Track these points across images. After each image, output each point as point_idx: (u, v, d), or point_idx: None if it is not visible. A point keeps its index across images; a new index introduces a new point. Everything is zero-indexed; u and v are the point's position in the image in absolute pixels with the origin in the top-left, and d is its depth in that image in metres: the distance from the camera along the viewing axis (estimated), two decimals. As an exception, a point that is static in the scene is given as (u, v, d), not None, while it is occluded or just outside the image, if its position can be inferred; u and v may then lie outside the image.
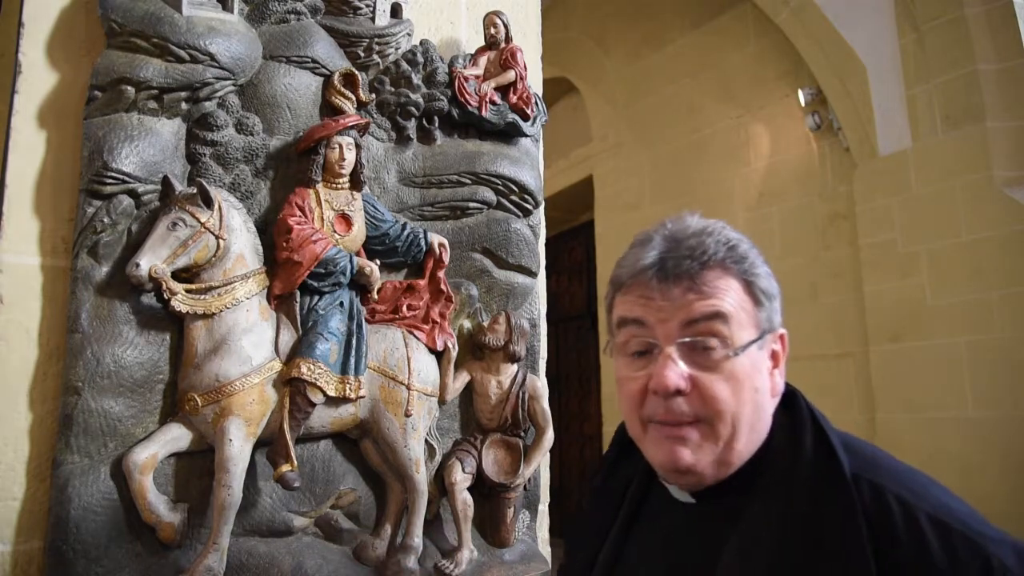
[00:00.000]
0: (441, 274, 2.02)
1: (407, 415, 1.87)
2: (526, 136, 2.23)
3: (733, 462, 0.88)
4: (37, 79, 1.73)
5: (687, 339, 0.86)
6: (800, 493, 0.83)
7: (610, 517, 1.03)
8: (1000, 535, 0.76)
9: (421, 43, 2.11)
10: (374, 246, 1.97)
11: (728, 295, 0.87)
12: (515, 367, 2.08)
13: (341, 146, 1.87)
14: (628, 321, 0.91)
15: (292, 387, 1.74)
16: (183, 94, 1.76)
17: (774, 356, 0.92)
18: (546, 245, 2.35)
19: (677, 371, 0.84)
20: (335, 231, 1.87)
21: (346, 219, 1.90)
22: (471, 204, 2.12)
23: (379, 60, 2.07)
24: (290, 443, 1.72)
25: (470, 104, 2.11)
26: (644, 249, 0.91)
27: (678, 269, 0.87)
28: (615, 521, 1.02)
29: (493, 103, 2.14)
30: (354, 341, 1.83)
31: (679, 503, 0.95)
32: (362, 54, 2.04)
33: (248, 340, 1.72)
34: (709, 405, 0.85)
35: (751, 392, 0.86)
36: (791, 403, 0.94)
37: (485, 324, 2.07)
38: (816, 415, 0.91)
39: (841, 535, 0.78)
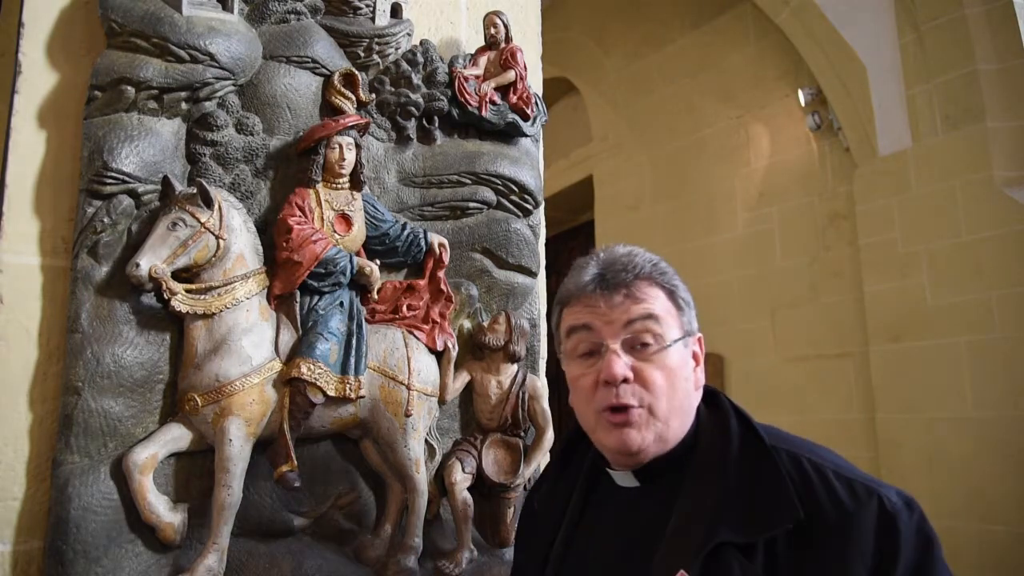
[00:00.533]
0: (441, 274, 2.02)
1: (407, 415, 1.87)
2: (526, 136, 2.23)
3: (669, 439, 1.06)
4: (37, 79, 1.73)
5: (628, 336, 1.04)
6: (732, 466, 1.02)
7: (560, 515, 1.18)
8: (884, 482, 0.99)
9: (421, 43, 2.11)
10: (374, 246, 1.97)
11: (657, 301, 1.07)
12: (515, 367, 2.08)
13: (341, 146, 1.87)
14: (577, 328, 1.09)
15: (292, 387, 1.74)
16: (183, 94, 1.76)
17: (695, 356, 1.11)
18: (546, 245, 2.34)
19: (622, 363, 1.03)
20: (335, 231, 1.87)
21: (346, 219, 1.90)
22: (471, 204, 2.12)
23: (379, 60, 2.07)
24: (290, 443, 1.72)
25: (470, 104, 2.11)
26: (584, 270, 1.10)
27: (615, 280, 1.07)
28: (564, 519, 1.17)
29: (493, 103, 2.15)
30: (354, 341, 1.83)
31: (623, 489, 1.12)
32: (362, 54, 2.04)
33: (248, 340, 1.72)
34: (649, 389, 1.03)
35: (681, 380, 1.06)
36: (713, 399, 1.14)
37: (485, 324, 2.07)
38: (737, 405, 1.11)
39: (774, 492, 0.96)
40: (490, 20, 2.21)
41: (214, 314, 1.70)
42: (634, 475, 1.10)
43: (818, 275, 4.77)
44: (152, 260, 1.63)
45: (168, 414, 1.71)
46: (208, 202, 1.69)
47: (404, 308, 1.96)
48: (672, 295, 1.08)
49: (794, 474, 0.98)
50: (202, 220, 1.68)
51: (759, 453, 1.01)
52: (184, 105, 1.78)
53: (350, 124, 1.90)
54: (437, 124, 2.11)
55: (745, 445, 1.03)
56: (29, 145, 1.70)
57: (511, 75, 2.19)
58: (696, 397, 1.10)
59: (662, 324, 1.05)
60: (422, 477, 1.89)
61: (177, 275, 1.69)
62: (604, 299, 1.06)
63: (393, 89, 2.05)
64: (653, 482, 1.08)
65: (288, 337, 1.80)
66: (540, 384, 2.16)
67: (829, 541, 0.93)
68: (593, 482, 1.18)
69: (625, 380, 1.02)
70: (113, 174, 1.66)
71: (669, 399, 1.04)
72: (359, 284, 1.92)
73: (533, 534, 1.23)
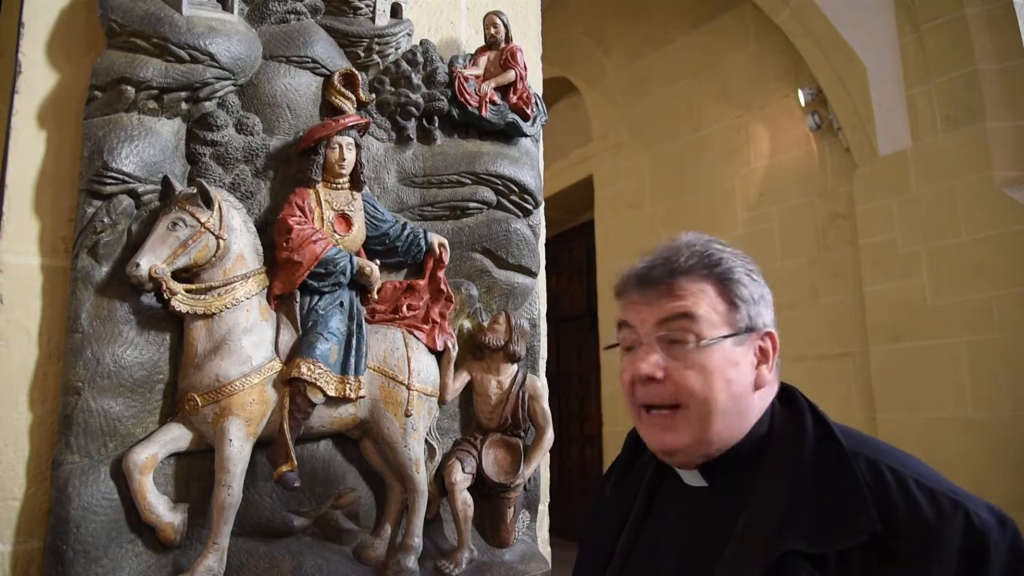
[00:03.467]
0: (441, 274, 2.02)
1: (407, 415, 1.87)
2: (526, 136, 2.23)
3: (714, 441, 1.00)
4: (37, 79, 1.73)
5: (661, 334, 1.01)
6: (805, 468, 0.95)
7: (626, 512, 1.14)
8: (973, 495, 0.90)
9: (421, 43, 2.11)
10: (374, 246, 1.97)
11: (698, 297, 1.01)
12: (515, 367, 2.08)
13: (341, 146, 1.87)
14: (621, 324, 1.07)
15: (292, 387, 1.74)
16: (183, 94, 1.76)
17: (762, 352, 1.03)
18: (546, 245, 2.34)
19: (650, 361, 1.00)
20: (335, 231, 1.87)
21: (346, 219, 1.90)
22: (471, 204, 2.12)
23: (379, 60, 2.07)
24: (290, 443, 1.72)
25: (470, 104, 2.11)
26: (638, 263, 1.07)
27: (651, 276, 1.03)
28: (631, 514, 1.13)
29: (493, 103, 2.14)
30: (354, 341, 1.83)
31: (693, 488, 1.07)
32: (362, 54, 2.04)
33: (248, 340, 1.72)
34: (682, 390, 0.99)
35: (723, 382, 0.99)
36: (790, 397, 1.07)
37: (485, 324, 2.07)
38: (813, 405, 1.04)
39: (850, 501, 0.89)
40: (490, 20, 2.21)
41: (214, 314, 1.70)
42: (701, 474, 1.05)
43: (818, 275, 4.77)
44: (152, 260, 1.63)
45: (168, 414, 1.71)
46: (208, 202, 1.69)
47: (404, 308, 1.96)
48: (724, 290, 1.02)
49: (872, 482, 0.91)
50: (202, 220, 1.68)
51: (835, 457, 0.95)
52: (184, 105, 1.78)
53: (350, 124, 1.90)
54: (437, 124, 2.11)
55: (820, 447, 0.97)
56: (29, 145, 1.70)
57: (511, 75, 2.19)
58: (757, 397, 1.03)
59: (701, 323, 0.99)
60: (422, 477, 1.89)
61: (177, 275, 1.69)
62: (641, 295, 1.04)
63: (393, 89, 2.05)
64: (721, 482, 1.03)
65: (288, 337, 1.80)
66: (540, 384, 2.16)
67: (908, 558, 0.86)
68: (661, 477, 1.14)
69: (653, 378, 0.99)
70: (113, 174, 1.66)
71: (706, 400, 0.98)
72: (359, 284, 1.92)
73: (602, 523, 1.20)
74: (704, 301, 1.01)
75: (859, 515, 0.88)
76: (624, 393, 1.07)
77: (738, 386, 1.00)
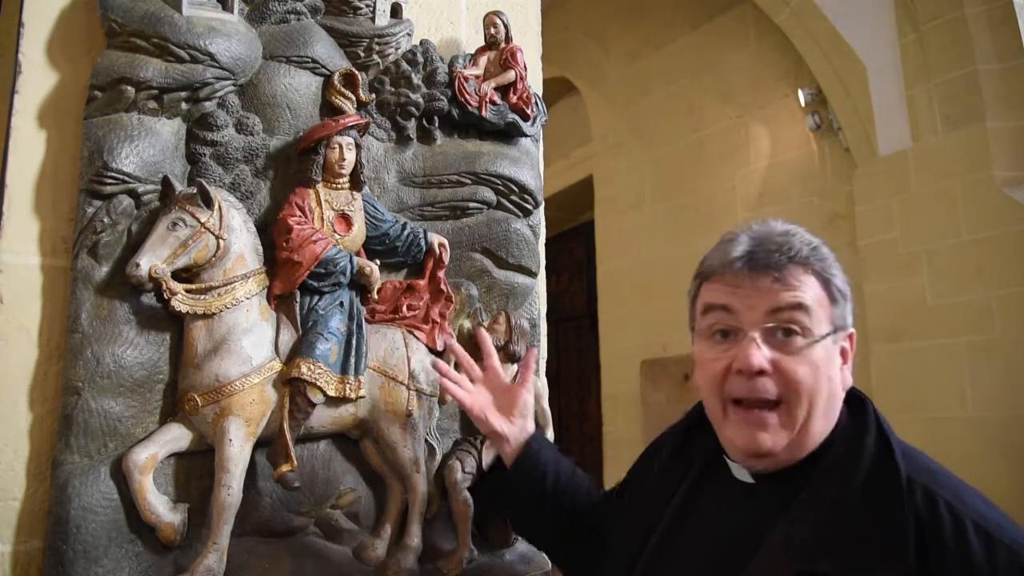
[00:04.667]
0: (441, 274, 2.02)
1: (407, 415, 1.87)
2: (526, 136, 2.23)
3: (807, 445, 0.94)
4: (37, 79, 1.73)
5: (771, 324, 0.94)
6: (856, 489, 0.89)
7: (670, 493, 1.09)
8: None
9: (421, 43, 2.11)
10: (374, 246, 1.97)
11: (809, 289, 0.95)
12: (515, 367, 2.08)
13: (341, 146, 1.87)
14: (715, 307, 0.99)
15: (292, 387, 1.74)
16: (183, 94, 1.76)
17: (843, 353, 0.99)
18: (546, 245, 2.34)
19: (761, 353, 0.92)
20: (335, 231, 1.87)
21: (346, 219, 1.90)
22: (471, 204, 2.12)
23: (379, 60, 2.07)
24: (290, 443, 1.72)
25: (470, 104, 2.11)
26: (732, 244, 0.99)
27: (766, 261, 0.95)
28: (675, 493, 1.08)
29: (493, 103, 2.14)
30: (354, 341, 1.83)
31: (738, 482, 1.02)
32: (362, 54, 2.04)
33: (248, 340, 1.72)
34: (790, 386, 0.92)
35: (826, 380, 0.94)
36: (859, 407, 1.00)
37: (485, 324, 2.07)
38: (881, 420, 0.97)
39: (890, 532, 0.83)
40: (490, 20, 2.21)
41: (214, 314, 1.70)
42: (750, 472, 1.00)
43: (818, 275, 4.76)
44: (152, 260, 1.63)
45: (168, 414, 1.71)
46: (208, 202, 1.69)
47: (404, 308, 1.96)
48: (828, 284, 0.98)
49: (925, 517, 0.84)
50: (202, 220, 1.68)
51: (889, 484, 0.88)
52: (184, 105, 1.78)
53: (350, 124, 1.90)
54: (437, 124, 2.11)
55: (876, 469, 0.90)
56: (29, 145, 1.70)
57: (511, 75, 2.19)
58: (840, 399, 0.99)
59: (812, 316, 0.94)
60: (422, 477, 1.89)
61: (177, 275, 1.69)
62: (750, 280, 0.96)
63: (393, 89, 2.05)
64: (768, 483, 0.98)
65: (288, 337, 1.80)
66: (540, 384, 2.16)
67: None
68: (709, 467, 1.09)
69: (762, 372, 0.92)
70: (113, 174, 1.66)
71: (811, 400, 0.93)
72: (359, 284, 1.92)
73: (645, 497, 1.13)
74: (813, 294, 0.96)
75: (895, 551, 0.82)
76: (706, 384, 0.98)
77: (834, 385, 0.96)
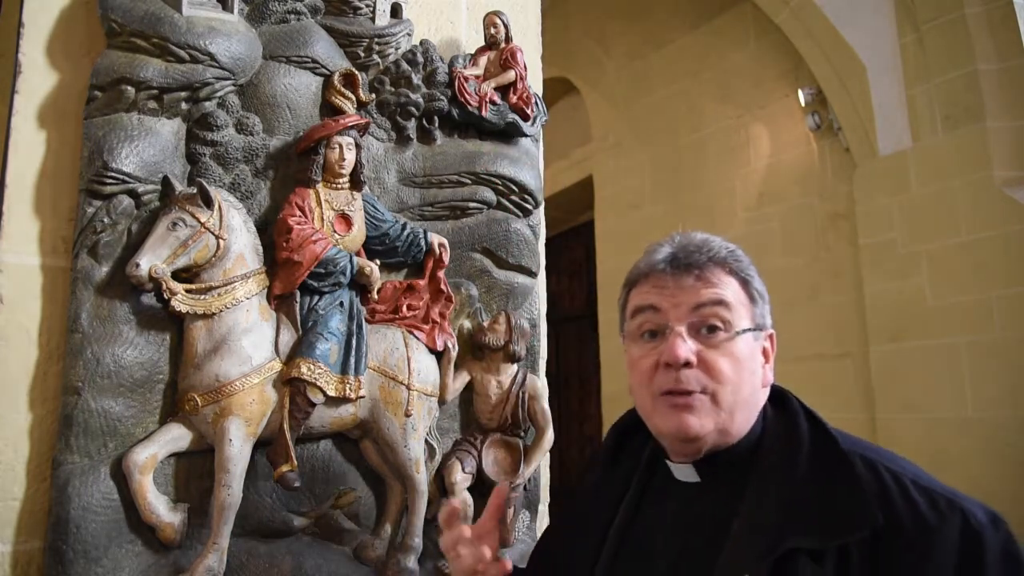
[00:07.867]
0: (441, 274, 2.02)
1: (407, 415, 1.87)
2: (526, 136, 2.23)
3: (731, 432, 1.01)
4: (37, 79, 1.73)
5: (694, 320, 1.00)
6: (803, 468, 0.96)
7: (612, 508, 1.13)
8: (968, 496, 0.92)
9: (421, 43, 2.11)
10: (374, 246, 1.97)
11: (729, 288, 1.02)
12: (515, 367, 2.08)
13: (341, 146, 1.87)
14: (643, 308, 1.05)
15: (292, 387, 1.74)
16: (183, 94, 1.76)
17: (764, 352, 1.06)
18: (546, 245, 2.34)
19: (686, 346, 0.98)
20: (335, 231, 1.87)
21: (346, 219, 1.90)
22: (471, 204, 2.12)
23: (379, 60, 2.07)
24: (290, 443, 1.72)
25: (470, 104, 2.11)
26: (657, 251, 1.07)
27: (688, 261, 1.03)
28: (619, 508, 1.12)
29: (493, 103, 2.15)
30: (354, 341, 1.83)
31: (682, 485, 1.07)
32: (362, 54, 2.04)
33: (248, 340, 1.72)
34: (714, 377, 0.98)
35: (748, 373, 1.01)
36: (782, 400, 1.08)
37: (485, 324, 2.07)
38: (807, 408, 1.05)
39: (851, 497, 0.91)
40: (490, 20, 2.21)
41: (214, 314, 1.70)
42: (695, 470, 1.05)
43: (818, 275, 4.77)
44: (152, 260, 1.63)
45: (168, 414, 1.71)
46: (208, 202, 1.69)
47: (404, 308, 1.96)
48: (746, 285, 1.04)
49: (871, 481, 0.92)
50: (202, 220, 1.68)
51: (833, 456, 0.96)
52: (184, 105, 1.78)
53: (350, 124, 1.90)
54: (437, 124, 2.11)
55: (817, 448, 0.98)
56: (29, 145, 1.70)
57: (511, 75, 2.19)
58: (763, 394, 1.05)
59: (733, 312, 1.00)
60: (422, 477, 1.89)
61: (177, 275, 1.69)
62: (674, 280, 1.02)
63: (393, 89, 2.05)
64: (714, 479, 1.04)
65: (288, 337, 1.80)
66: (540, 384, 2.16)
67: (906, 556, 0.87)
68: (650, 475, 1.13)
69: (688, 364, 0.98)
70: (113, 174, 1.66)
71: (734, 389, 0.99)
72: (359, 284, 1.92)
73: (577, 527, 1.17)
74: (732, 291, 1.02)
75: (861, 509, 0.89)
76: (636, 381, 1.04)
77: (757, 379, 1.03)
